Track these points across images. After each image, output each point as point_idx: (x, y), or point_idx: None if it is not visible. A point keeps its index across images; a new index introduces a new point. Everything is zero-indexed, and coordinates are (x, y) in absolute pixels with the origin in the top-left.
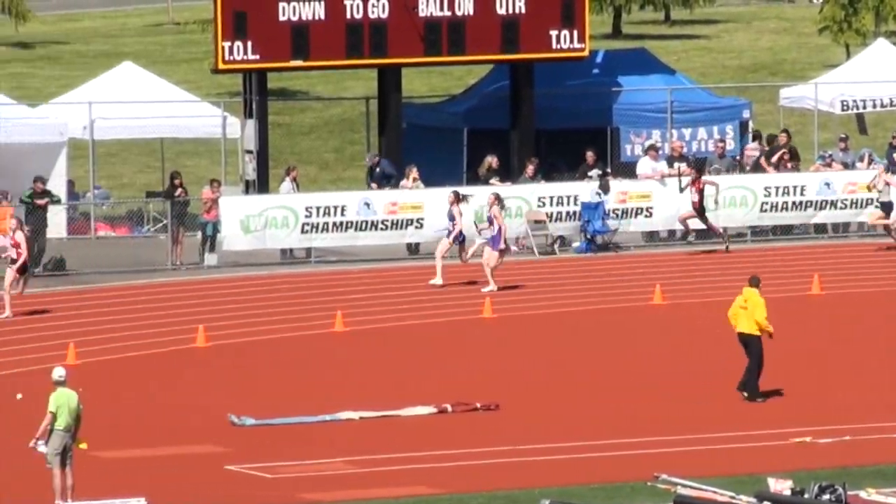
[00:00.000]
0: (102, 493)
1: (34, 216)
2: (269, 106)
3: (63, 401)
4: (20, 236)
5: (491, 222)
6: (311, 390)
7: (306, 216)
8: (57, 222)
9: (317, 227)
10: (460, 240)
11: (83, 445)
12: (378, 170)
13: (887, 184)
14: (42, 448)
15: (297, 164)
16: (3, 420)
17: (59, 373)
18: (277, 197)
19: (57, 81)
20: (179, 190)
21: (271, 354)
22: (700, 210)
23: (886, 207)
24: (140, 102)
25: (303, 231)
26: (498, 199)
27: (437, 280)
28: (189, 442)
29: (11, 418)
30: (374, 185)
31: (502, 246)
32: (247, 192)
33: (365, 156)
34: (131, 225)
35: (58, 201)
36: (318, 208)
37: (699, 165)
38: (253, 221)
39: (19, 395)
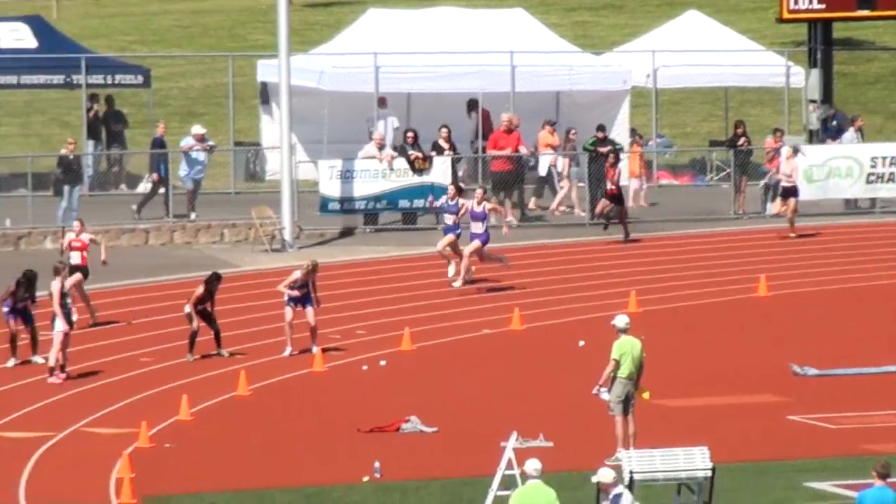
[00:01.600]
0: (665, 441)
1: (595, 164)
2: (833, 55)
3: (626, 349)
4: (86, 237)
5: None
6: (873, 341)
7: (871, 166)
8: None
9: (882, 178)
10: (457, 232)
11: (646, 394)
12: None
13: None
14: (605, 395)
15: (862, 113)
16: (567, 367)
17: (622, 320)
18: (841, 147)
19: (621, 30)
20: (742, 139)
21: (831, 305)
22: None
23: (789, 193)
24: (704, 51)
25: (867, 181)
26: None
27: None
28: (750, 391)
29: (575, 365)
30: None
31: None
32: (810, 141)
33: None
34: (694, 173)
35: (620, 149)
36: (883, 158)
37: None
38: (816, 171)
39: (582, 342)
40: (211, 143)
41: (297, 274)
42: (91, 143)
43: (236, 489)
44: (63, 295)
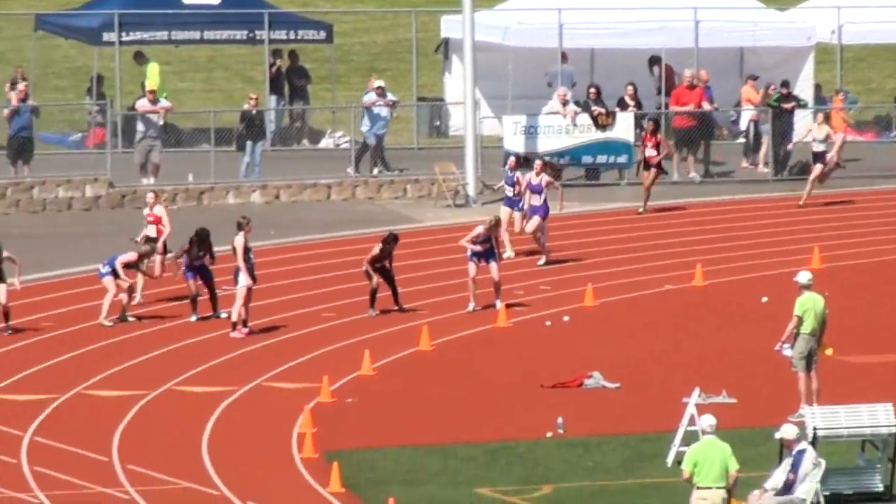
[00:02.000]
0: (849, 398)
1: (780, 121)
2: None
3: (809, 305)
4: (160, 210)
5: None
6: None
7: None
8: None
9: None
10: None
11: (829, 351)
12: None
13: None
14: (787, 352)
15: None
16: (750, 323)
17: (805, 277)
18: None
19: None
20: None
21: None
22: None
23: (819, 158)
24: (890, 7)
25: None
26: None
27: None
28: None
29: (758, 321)
30: None
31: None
32: None
33: None
34: (878, 130)
35: (804, 105)
36: None
37: None
38: None
39: (765, 299)
40: (393, 98)
41: (480, 229)
42: (273, 98)
43: (418, 444)
44: (247, 250)
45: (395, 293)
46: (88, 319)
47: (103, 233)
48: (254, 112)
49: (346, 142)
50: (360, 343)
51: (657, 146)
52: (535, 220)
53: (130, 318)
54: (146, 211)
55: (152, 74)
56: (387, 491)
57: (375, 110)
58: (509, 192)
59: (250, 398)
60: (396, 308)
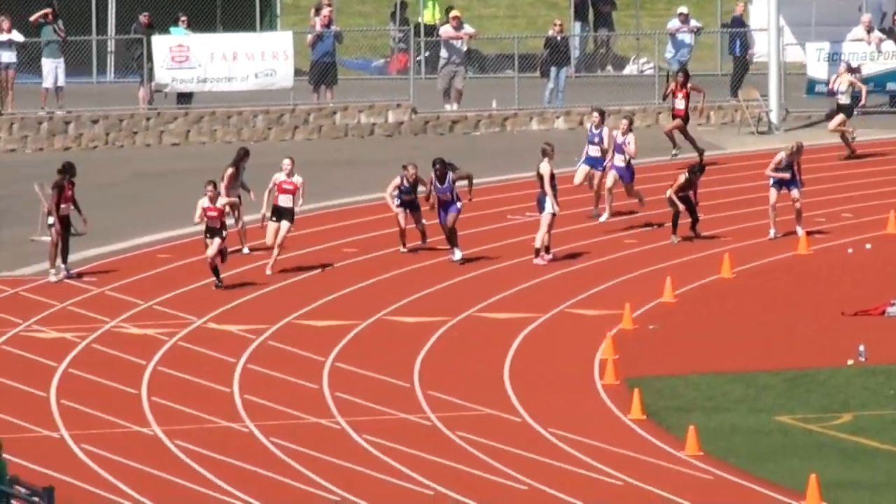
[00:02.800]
0: None
1: None
2: None
3: None
4: (298, 180)
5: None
6: None
7: None
8: None
9: None
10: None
11: None
12: None
13: (851, 84)
14: None
15: None
16: None
17: None
18: None
19: None
20: None
21: None
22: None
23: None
24: None
25: None
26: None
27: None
28: None
29: None
30: None
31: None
32: None
33: None
34: None
35: None
36: None
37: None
38: None
39: None
40: (697, 24)
41: (782, 155)
42: (578, 24)
43: (718, 371)
44: (552, 177)
45: (694, 221)
46: (387, 247)
47: (406, 159)
48: (558, 38)
49: (650, 68)
50: (661, 270)
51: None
52: (612, 174)
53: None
54: (281, 176)
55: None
56: (687, 418)
57: (679, 37)
58: (594, 150)
59: (552, 325)
60: (693, 235)
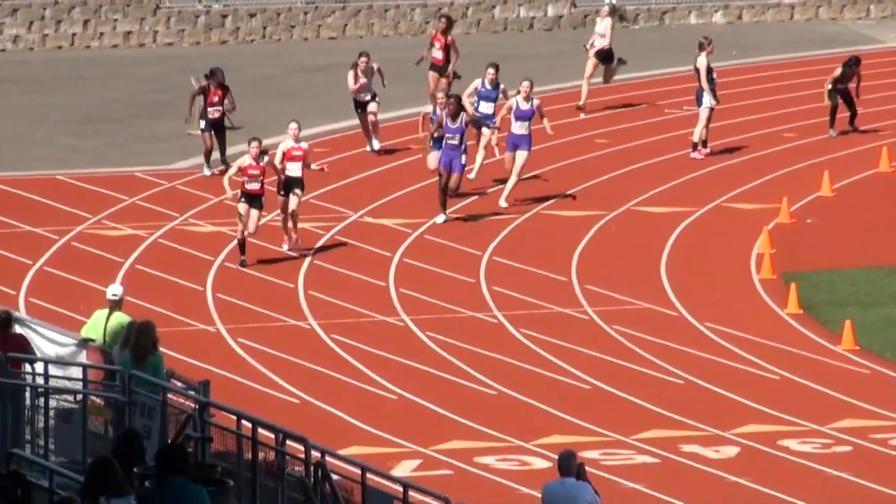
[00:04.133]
0: None
1: None
2: None
3: None
4: (306, 145)
5: None
6: None
7: None
8: None
9: None
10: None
11: None
12: None
13: None
14: None
15: None
16: None
17: None
18: None
19: None
20: None
21: None
22: None
23: None
24: None
25: None
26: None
27: None
28: None
29: None
30: None
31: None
32: None
33: None
34: None
35: None
36: None
37: None
38: None
39: None
40: None
41: None
42: None
43: (875, 265)
44: (709, 70)
45: (853, 115)
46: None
47: (566, 51)
48: None
49: None
50: (819, 164)
51: None
52: (522, 155)
53: None
54: (288, 143)
55: None
56: (844, 312)
57: None
58: (489, 108)
59: (709, 219)
60: (851, 129)
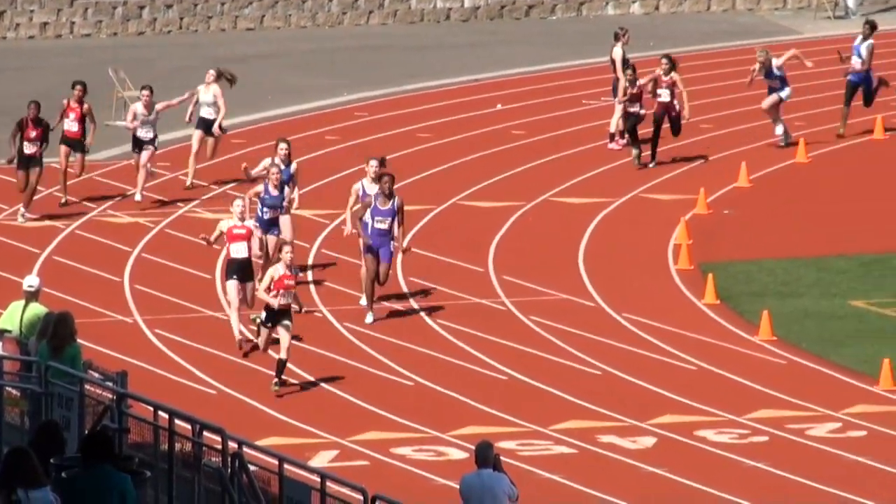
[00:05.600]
0: None
1: None
2: None
3: None
4: (251, 223)
5: None
6: None
7: None
8: None
9: None
10: None
11: None
12: None
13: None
14: None
15: None
16: None
17: None
18: None
19: None
20: None
21: None
22: None
23: None
24: None
25: None
26: None
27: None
28: None
29: None
30: None
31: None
32: None
33: None
34: None
35: None
36: None
37: None
38: None
39: None
40: None
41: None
42: None
43: (792, 256)
44: (625, 61)
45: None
46: (461, 132)
47: (480, 45)
48: None
49: None
50: (736, 155)
51: None
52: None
53: None
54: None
55: None
56: (761, 303)
57: None
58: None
59: (627, 210)
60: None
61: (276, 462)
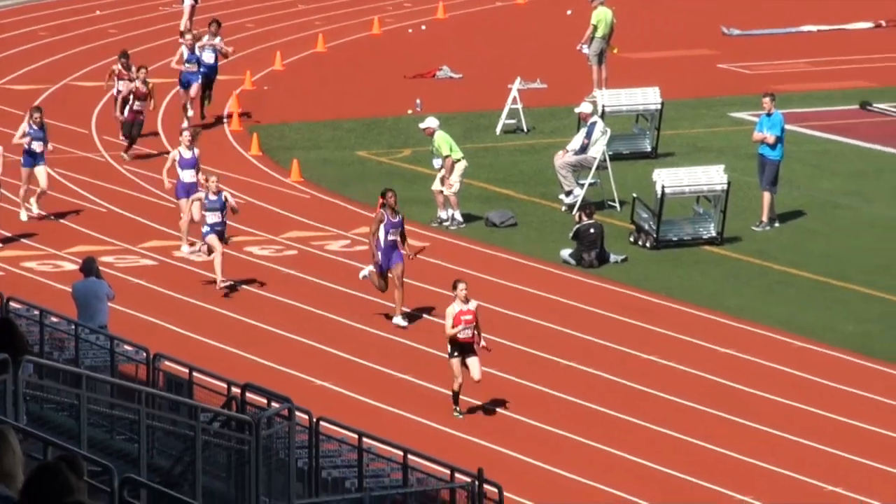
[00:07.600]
0: (627, 84)
1: None
2: None
3: (602, 16)
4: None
5: None
6: (780, 8)
7: None
8: None
9: None
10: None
11: (615, 50)
12: None
13: None
14: (585, 50)
15: None
16: (559, 30)
17: None
18: None
19: None
20: None
21: None
22: None
23: None
24: None
25: None
26: None
27: None
28: (689, 46)
29: (565, 29)
30: None
31: None
32: None
33: None
34: None
35: None
36: None
37: None
38: None
39: (569, 12)
40: None
41: None
42: None
43: (314, 120)
44: None
45: None
46: None
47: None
48: None
49: None
50: (273, 46)
51: None
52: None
53: None
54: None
55: None
56: (291, 154)
57: None
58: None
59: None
60: None
61: None
